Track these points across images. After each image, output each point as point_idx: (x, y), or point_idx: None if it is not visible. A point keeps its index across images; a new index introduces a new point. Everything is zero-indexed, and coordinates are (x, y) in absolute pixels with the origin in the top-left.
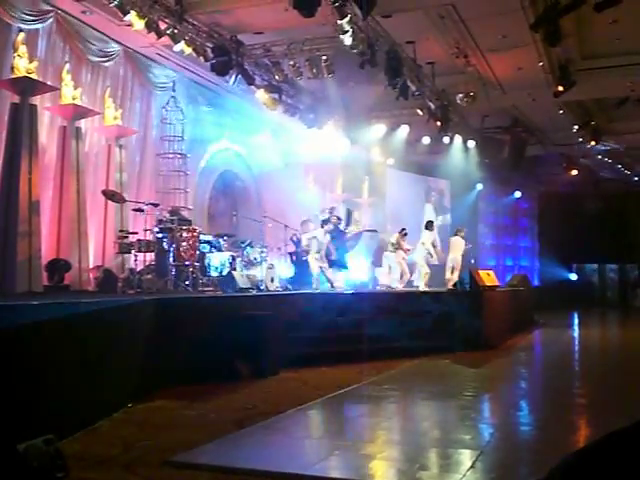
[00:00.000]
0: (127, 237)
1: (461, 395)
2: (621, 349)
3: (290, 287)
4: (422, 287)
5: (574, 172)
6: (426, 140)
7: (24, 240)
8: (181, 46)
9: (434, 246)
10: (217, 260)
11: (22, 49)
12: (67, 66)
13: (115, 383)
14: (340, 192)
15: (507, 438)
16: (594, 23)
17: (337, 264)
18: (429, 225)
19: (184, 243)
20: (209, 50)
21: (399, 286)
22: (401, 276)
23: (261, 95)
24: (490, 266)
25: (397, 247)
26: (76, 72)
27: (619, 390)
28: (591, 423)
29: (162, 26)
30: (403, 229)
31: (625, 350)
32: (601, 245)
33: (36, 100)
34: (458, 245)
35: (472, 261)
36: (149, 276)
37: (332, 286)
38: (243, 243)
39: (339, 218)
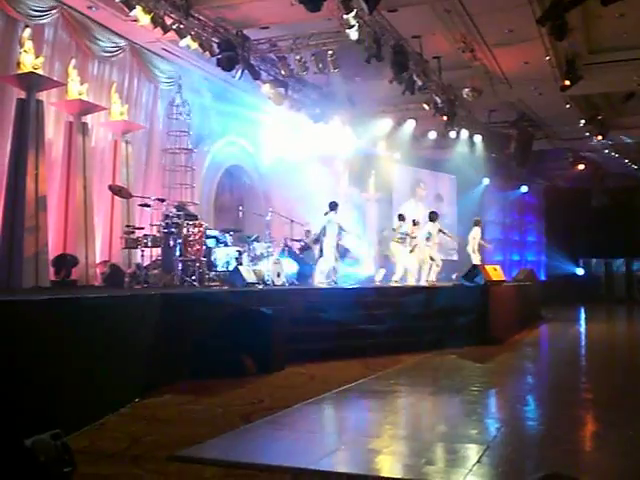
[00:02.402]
0: (134, 232)
1: (467, 390)
2: (628, 344)
3: (296, 282)
4: (433, 281)
5: (581, 167)
6: (432, 135)
7: (31, 235)
8: (187, 41)
9: (445, 234)
10: (223, 255)
11: (28, 45)
12: (73, 61)
13: (122, 378)
14: (346, 187)
15: (513, 433)
16: (601, 17)
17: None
18: (433, 216)
19: (190, 238)
20: (215, 45)
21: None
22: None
23: (267, 90)
24: (497, 261)
25: (409, 238)
26: (82, 67)
27: (625, 386)
28: (597, 419)
29: (168, 21)
30: (413, 220)
31: (632, 345)
32: (608, 240)
33: (42, 96)
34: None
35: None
36: (155, 271)
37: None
38: (249, 238)
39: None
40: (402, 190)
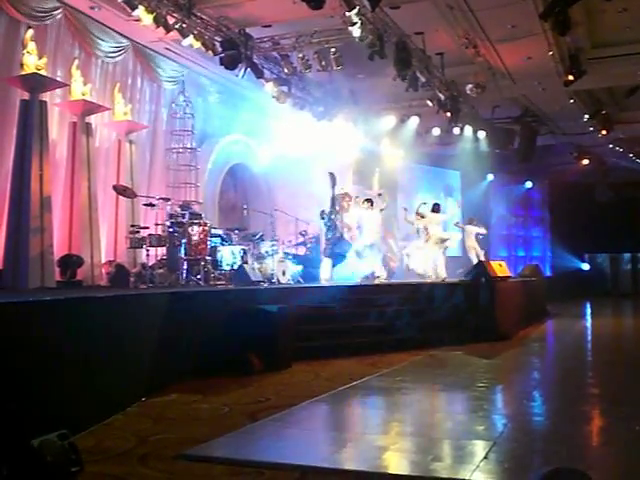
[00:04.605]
0: (138, 232)
1: (474, 386)
2: (634, 339)
3: (302, 280)
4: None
5: (585, 161)
6: (436, 131)
7: (36, 236)
8: (190, 40)
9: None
10: (228, 254)
11: (31, 46)
12: (76, 62)
13: (128, 377)
14: (350, 184)
15: (520, 429)
16: (604, 12)
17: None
18: (437, 207)
19: (195, 237)
20: (218, 44)
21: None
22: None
23: (270, 88)
24: (502, 257)
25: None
26: (85, 68)
27: (632, 380)
28: (604, 414)
29: (170, 20)
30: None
31: (638, 340)
32: (613, 234)
33: (46, 96)
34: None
35: (483, 252)
36: (161, 270)
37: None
38: (254, 236)
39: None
40: (406, 187)
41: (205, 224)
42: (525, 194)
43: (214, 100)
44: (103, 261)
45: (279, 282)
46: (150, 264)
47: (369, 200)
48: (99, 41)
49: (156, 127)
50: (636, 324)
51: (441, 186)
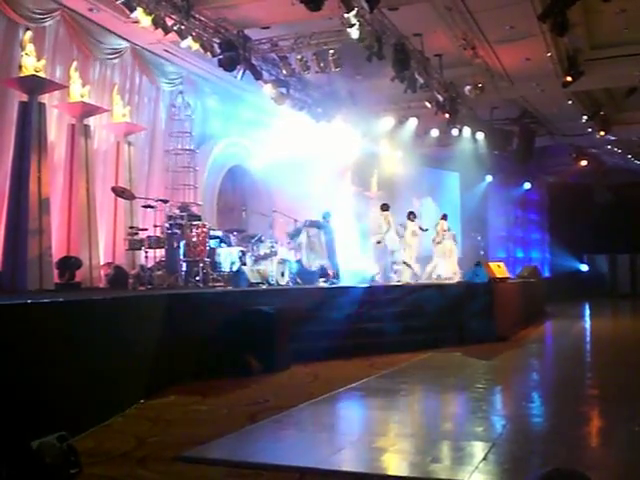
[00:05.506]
0: (137, 234)
1: (473, 387)
2: (633, 339)
3: (300, 281)
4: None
5: (584, 162)
6: (435, 132)
7: (34, 238)
8: (188, 42)
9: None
10: (227, 255)
11: (30, 47)
12: (75, 64)
13: (127, 379)
14: (349, 186)
15: (519, 430)
16: (602, 13)
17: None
18: (412, 216)
19: (194, 239)
20: (216, 45)
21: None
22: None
23: (268, 90)
24: (500, 258)
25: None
26: (84, 70)
27: (631, 381)
28: (603, 414)
29: (169, 22)
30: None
31: (637, 340)
32: (612, 235)
33: (44, 98)
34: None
35: (482, 253)
36: (159, 272)
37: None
38: (253, 238)
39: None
40: (404, 189)
41: (204, 226)
42: (524, 195)
43: (212, 102)
44: (102, 263)
45: (278, 284)
46: (149, 266)
47: (382, 206)
48: (97, 43)
49: (155, 129)
50: (635, 325)
51: (426, 187)
